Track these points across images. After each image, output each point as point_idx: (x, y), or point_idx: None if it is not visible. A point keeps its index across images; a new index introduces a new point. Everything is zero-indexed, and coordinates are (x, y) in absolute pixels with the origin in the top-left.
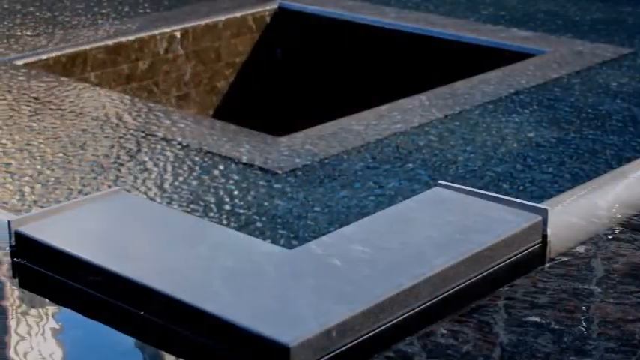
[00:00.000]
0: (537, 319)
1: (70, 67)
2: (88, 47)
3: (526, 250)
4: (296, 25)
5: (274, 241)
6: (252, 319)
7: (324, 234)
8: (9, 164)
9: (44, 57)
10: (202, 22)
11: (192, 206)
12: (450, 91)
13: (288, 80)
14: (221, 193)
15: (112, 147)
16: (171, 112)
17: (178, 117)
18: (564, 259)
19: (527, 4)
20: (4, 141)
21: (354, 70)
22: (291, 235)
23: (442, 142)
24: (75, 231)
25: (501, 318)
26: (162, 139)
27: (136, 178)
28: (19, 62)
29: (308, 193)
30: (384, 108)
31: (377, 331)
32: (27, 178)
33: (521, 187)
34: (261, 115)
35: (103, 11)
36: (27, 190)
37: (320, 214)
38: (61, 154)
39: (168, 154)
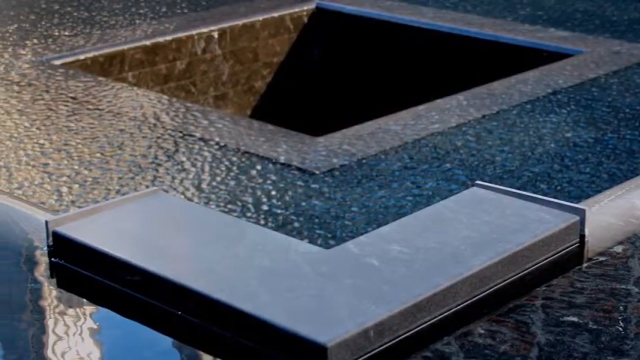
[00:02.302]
0: (575, 319)
1: (107, 67)
2: (125, 47)
3: (563, 250)
4: (333, 25)
5: (312, 241)
6: (289, 318)
7: (361, 234)
8: (47, 164)
9: (82, 57)
10: (240, 22)
11: (229, 206)
12: (487, 91)
13: (326, 80)
14: (258, 193)
15: (150, 147)
16: (209, 112)
17: (216, 117)
18: (602, 259)
19: (565, 4)
20: (41, 141)
21: (392, 70)
22: (329, 235)
23: (479, 142)
24: (112, 231)
25: (539, 318)
26: (200, 139)
27: (173, 178)
28: (57, 62)
29: (345, 193)
30: (421, 108)
31: (414, 331)
32: (64, 178)
33: (558, 187)
34: (299, 115)
35: (141, 11)
36: (64, 190)
37: (357, 214)
38: (98, 154)
39: (206, 154)
